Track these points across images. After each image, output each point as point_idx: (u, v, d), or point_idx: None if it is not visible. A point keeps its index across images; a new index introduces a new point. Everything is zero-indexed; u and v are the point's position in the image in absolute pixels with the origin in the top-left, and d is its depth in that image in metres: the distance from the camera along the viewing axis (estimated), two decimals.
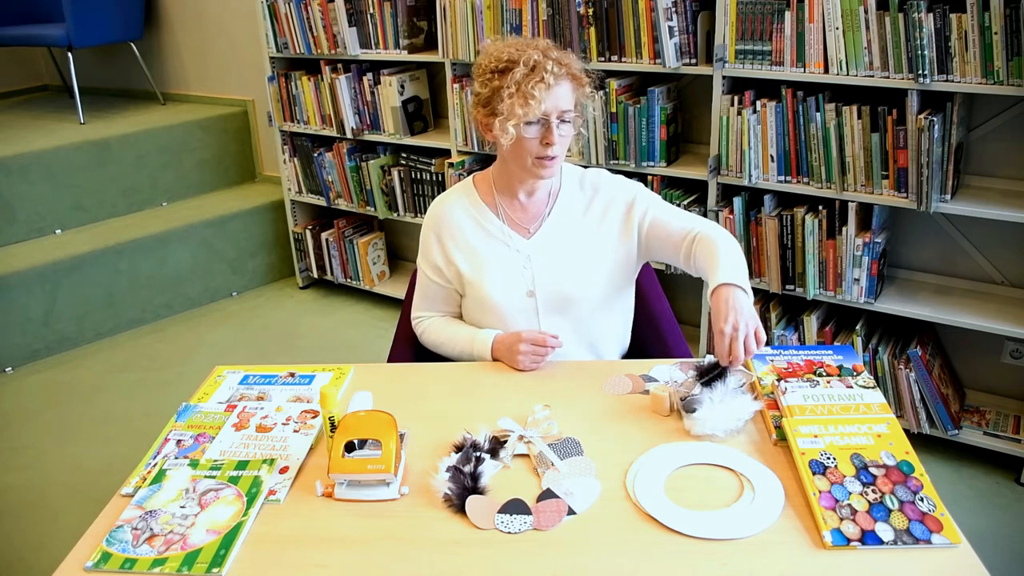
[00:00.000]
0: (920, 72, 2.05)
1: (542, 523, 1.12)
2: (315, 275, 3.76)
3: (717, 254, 1.44)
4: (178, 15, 4.14)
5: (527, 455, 1.27)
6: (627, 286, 1.67)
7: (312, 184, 3.57)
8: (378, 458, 1.17)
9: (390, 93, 3.11)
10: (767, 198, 2.41)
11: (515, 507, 1.15)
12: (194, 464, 1.27)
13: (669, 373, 1.46)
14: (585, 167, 1.68)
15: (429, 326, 1.70)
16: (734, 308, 1.32)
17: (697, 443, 1.28)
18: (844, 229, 2.29)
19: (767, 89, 2.36)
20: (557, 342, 1.51)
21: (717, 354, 1.32)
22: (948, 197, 2.19)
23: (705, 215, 2.53)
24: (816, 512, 1.09)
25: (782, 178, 2.37)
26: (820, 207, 2.34)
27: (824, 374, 1.35)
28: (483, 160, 3.07)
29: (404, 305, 1.87)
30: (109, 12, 3.88)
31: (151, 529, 1.14)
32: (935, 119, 2.06)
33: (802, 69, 2.23)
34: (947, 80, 2.04)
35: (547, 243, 1.60)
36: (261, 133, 4.11)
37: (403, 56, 3.03)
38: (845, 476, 1.13)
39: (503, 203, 1.63)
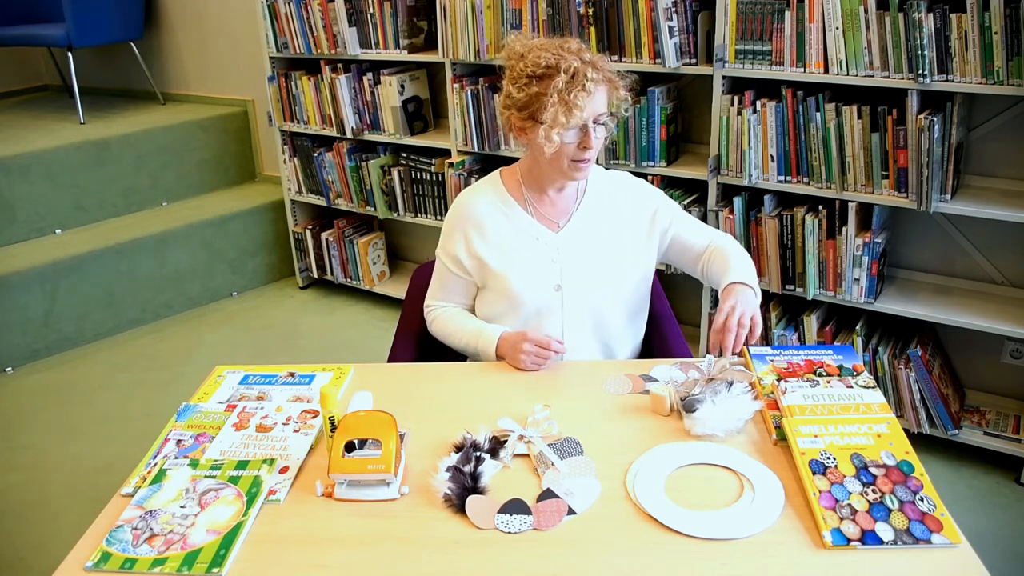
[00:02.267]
0: (920, 72, 2.05)
1: (542, 523, 1.12)
2: (315, 275, 3.76)
3: (728, 261, 1.55)
4: (178, 15, 4.14)
5: (527, 455, 1.27)
6: (646, 286, 1.70)
7: (312, 184, 3.57)
8: (378, 458, 1.17)
9: (390, 93, 3.11)
10: (767, 198, 2.41)
11: (515, 507, 1.15)
12: (194, 464, 1.27)
13: (669, 373, 1.47)
14: None
15: (440, 315, 1.70)
16: (734, 295, 1.44)
17: (697, 443, 1.28)
18: (844, 229, 2.29)
19: (767, 89, 2.36)
20: (561, 347, 1.52)
21: (711, 333, 1.42)
22: (948, 197, 2.19)
23: (705, 215, 2.54)
24: (816, 512, 1.09)
25: (782, 178, 2.37)
26: (820, 207, 2.34)
27: (824, 374, 1.35)
28: (483, 160, 3.07)
29: (404, 305, 1.87)
30: (109, 12, 3.87)
31: (151, 529, 1.14)
32: (935, 119, 2.06)
33: (802, 69, 2.23)
34: (947, 80, 2.04)
35: (576, 237, 1.62)
36: (261, 133, 4.11)
37: (403, 56, 3.03)
38: (845, 476, 1.13)
39: (531, 198, 1.63)
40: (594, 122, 1.49)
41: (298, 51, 3.29)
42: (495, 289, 1.62)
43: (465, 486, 1.18)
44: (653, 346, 1.78)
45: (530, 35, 1.57)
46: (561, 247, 1.61)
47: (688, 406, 1.30)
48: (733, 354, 1.39)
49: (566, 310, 1.60)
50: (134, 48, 4.16)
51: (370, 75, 3.15)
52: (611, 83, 1.51)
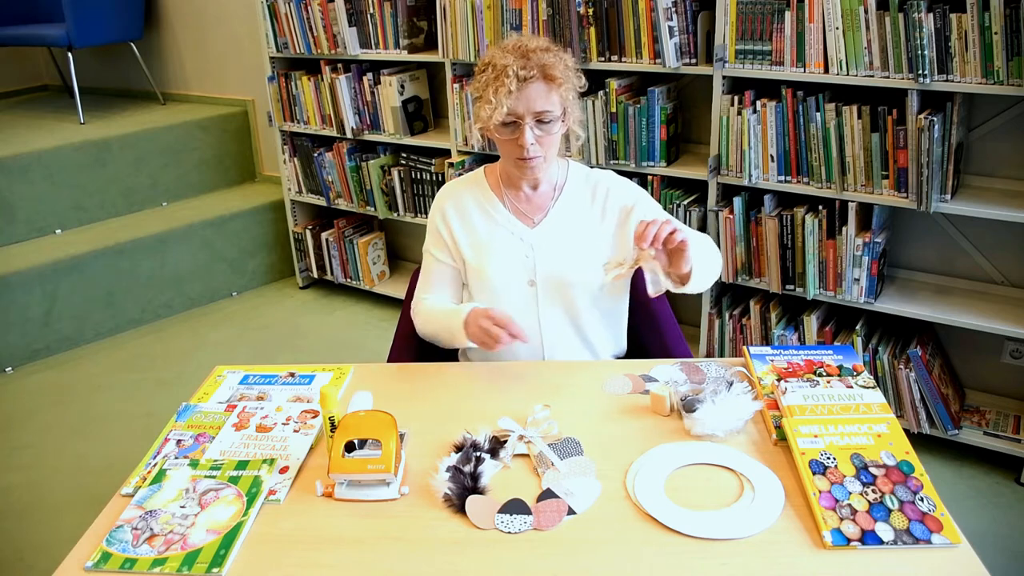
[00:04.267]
0: (920, 72, 2.05)
1: (542, 523, 1.12)
2: (315, 275, 3.76)
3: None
4: (178, 15, 4.14)
5: (527, 455, 1.27)
6: (622, 287, 1.69)
7: (312, 184, 3.57)
8: (378, 458, 1.17)
9: (390, 93, 3.11)
10: (767, 198, 2.41)
11: (515, 507, 1.15)
12: (194, 464, 1.27)
13: (669, 373, 1.47)
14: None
15: (422, 308, 1.69)
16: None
17: (697, 443, 1.28)
18: (844, 229, 2.29)
19: (767, 89, 2.36)
20: (515, 339, 1.44)
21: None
22: (948, 197, 2.19)
23: (705, 215, 2.54)
24: (816, 512, 1.09)
25: (782, 178, 2.37)
26: (820, 207, 2.34)
27: (824, 374, 1.35)
28: (483, 160, 3.07)
29: (404, 305, 1.87)
30: (109, 12, 3.88)
31: (151, 529, 1.14)
32: (935, 119, 2.06)
33: (802, 69, 2.23)
34: (947, 80, 2.04)
35: (550, 233, 1.62)
36: (261, 133, 4.11)
37: (403, 56, 3.03)
38: (845, 476, 1.13)
39: (509, 194, 1.65)
40: (535, 120, 1.48)
41: (298, 51, 3.29)
42: (474, 284, 1.64)
43: (465, 486, 1.18)
44: (653, 346, 1.78)
45: (528, 36, 1.58)
46: (535, 243, 1.61)
47: (688, 406, 1.30)
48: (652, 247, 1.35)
49: (541, 306, 1.61)
50: (134, 48, 4.16)
51: (370, 75, 3.15)
52: (549, 79, 1.47)
